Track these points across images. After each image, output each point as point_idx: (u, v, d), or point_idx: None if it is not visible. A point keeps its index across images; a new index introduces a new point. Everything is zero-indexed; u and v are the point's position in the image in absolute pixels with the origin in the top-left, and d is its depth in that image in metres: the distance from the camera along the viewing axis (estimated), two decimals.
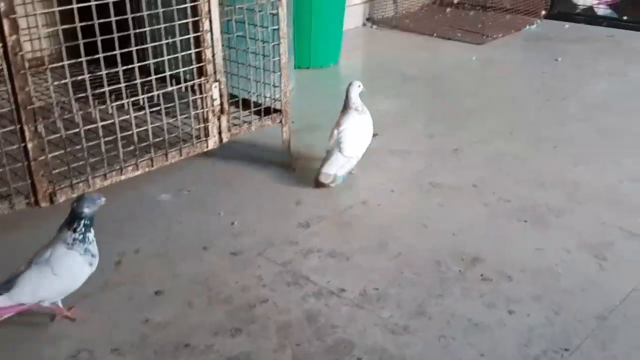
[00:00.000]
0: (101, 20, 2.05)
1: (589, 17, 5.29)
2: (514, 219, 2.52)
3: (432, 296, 2.06)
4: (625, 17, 5.21)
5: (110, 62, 2.14)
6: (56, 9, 2.05)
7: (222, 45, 2.45)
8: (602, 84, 4.03)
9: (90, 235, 1.86)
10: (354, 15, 5.18)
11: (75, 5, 1.98)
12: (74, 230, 1.83)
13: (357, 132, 2.69)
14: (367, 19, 5.32)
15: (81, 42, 2.05)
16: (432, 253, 2.28)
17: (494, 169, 2.92)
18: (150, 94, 2.26)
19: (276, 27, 2.56)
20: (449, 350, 1.84)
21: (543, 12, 5.40)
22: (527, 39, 5.00)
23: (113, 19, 2.09)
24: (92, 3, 2.02)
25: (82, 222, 1.84)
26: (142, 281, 2.12)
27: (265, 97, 2.73)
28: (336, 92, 4.06)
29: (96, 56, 2.07)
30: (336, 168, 2.63)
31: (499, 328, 1.92)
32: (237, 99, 2.66)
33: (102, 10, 2.07)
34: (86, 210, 1.84)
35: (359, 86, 2.76)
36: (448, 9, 5.66)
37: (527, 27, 5.21)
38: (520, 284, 2.12)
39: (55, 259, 1.81)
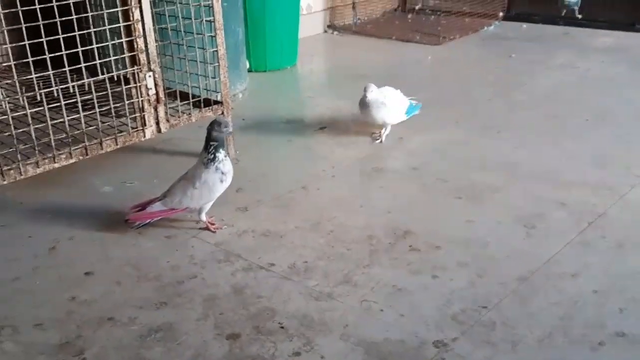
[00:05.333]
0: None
1: (545, 16, 5.39)
2: (450, 196, 2.56)
3: (359, 267, 2.09)
4: (579, 16, 5.31)
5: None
6: None
7: (157, 41, 2.50)
8: (554, 76, 4.10)
9: (220, 155, 2.21)
10: (315, 22, 5.27)
11: None
12: (207, 151, 2.21)
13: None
14: (329, 26, 5.41)
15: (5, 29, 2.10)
16: (365, 230, 2.31)
17: (435, 154, 2.97)
18: (81, 82, 2.30)
19: (211, 18, 2.61)
20: (370, 313, 1.86)
21: (501, 14, 5.51)
22: (483, 39, 5.08)
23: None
24: None
25: (212, 144, 2.20)
26: (73, 264, 2.14)
27: (206, 90, 2.78)
28: (291, 91, 4.15)
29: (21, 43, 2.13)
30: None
31: (421, 291, 1.95)
32: (175, 91, 2.70)
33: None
34: (214, 134, 2.20)
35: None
36: (409, 15, 5.77)
37: (485, 28, 5.31)
38: (447, 253, 2.16)
39: (195, 176, 2.21)
